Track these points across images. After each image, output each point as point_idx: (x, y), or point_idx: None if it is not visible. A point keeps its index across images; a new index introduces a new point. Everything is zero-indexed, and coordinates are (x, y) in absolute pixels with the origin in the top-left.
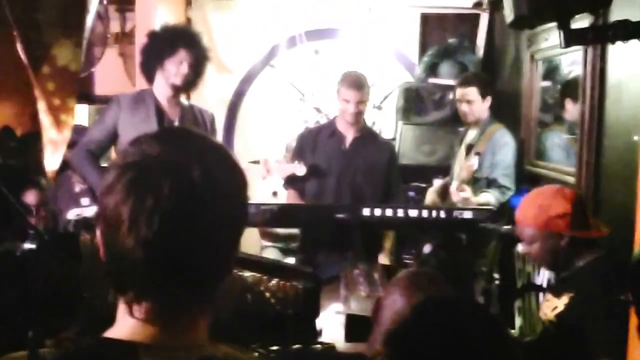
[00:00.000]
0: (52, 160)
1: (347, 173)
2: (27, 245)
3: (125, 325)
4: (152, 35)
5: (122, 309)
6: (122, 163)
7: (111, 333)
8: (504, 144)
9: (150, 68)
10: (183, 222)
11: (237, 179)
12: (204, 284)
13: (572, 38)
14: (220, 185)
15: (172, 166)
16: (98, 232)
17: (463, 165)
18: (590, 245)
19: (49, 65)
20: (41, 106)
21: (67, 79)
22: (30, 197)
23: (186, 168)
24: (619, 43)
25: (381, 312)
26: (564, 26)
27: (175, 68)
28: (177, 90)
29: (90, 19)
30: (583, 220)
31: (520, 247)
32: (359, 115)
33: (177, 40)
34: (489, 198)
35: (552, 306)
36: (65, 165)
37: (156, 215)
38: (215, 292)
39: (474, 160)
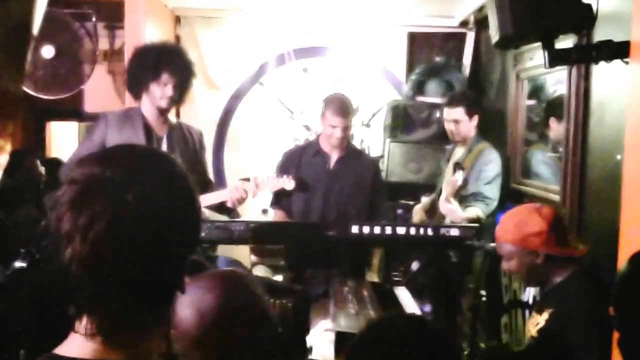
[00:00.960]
0: None
1: (332, 192)
2: (18, 264)
3: (74, 341)
4: (137, 57)
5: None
6: (67, 181)
7: (60, 349)
8: (490, 160)
9: (136, 88)
10: (116, 240)
11: (181, 197)
12: (143, 300)
13: (556, 58)
14: (159, 204)
15: (108, 185)
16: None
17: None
18: (569, 261)
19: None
20: None
21: (6, 103)
22: (20, 216)
23: (122, 187)
24: (602, 63)
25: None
26: (548, 47)
27: (160, 91)
28: (163, 111)
29: (31, 43)
30: (560, 238)
31: (502, 264)
32: (344, 139)
33: (161, 63)
34: (477, 212)
35: (535, 322)
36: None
37: (90, 232)
38: (162, 307)
39: (457, 175)
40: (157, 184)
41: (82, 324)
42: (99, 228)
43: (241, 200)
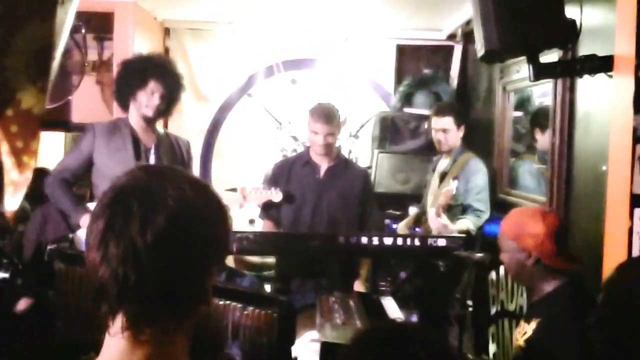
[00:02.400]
0: (12, 202)
1: (321, 202)
2: (1, 275)
3: (109, 347)
4: (124, 66)
5: (106, 338)
6: (109, 193)
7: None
8: (476, 170)
9: (123, 98)
10: (152, 244)
11: (216, 207)
12: (175, 304)
13: (541, 72)
14: (194, 211)
15: (145, 190)
16: (87, 258)
17: (436, 193)
18: (559, 272)
19: (12, 109)
20: (4, 148)
21: (30, 123)
22: None
23: (160, 193)
24: (586, 76)
25: None
26: (533, 60)
27: (147, 99)
28: (149, 121)
29: (55, 66)
30: (554, 247)
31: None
32: (328, 146)
33: (148, 71)
34: (468, 224)
35: (522, 331)
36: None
37: (125, 234)
38: (192, 314)
39: (452, 185)
40: (195, 193)
41: (116, 324)
42: (134, 230)
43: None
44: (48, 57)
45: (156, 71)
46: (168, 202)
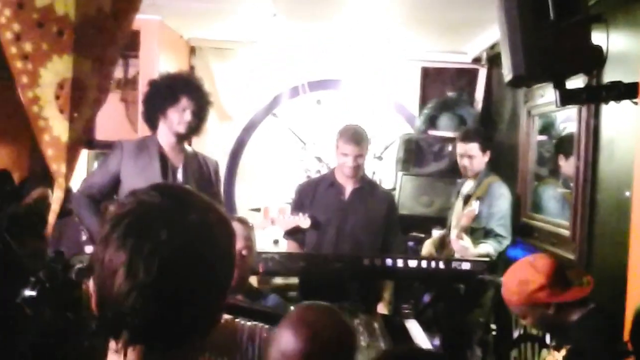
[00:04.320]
0: (49, 225)
1: (346, 224)
2: (28, 293)
3: None
4: (154, 84)
5: (111, 357)
6: (119, 212)
7: None
8: (500, 195)
9: (153, 116)
10: (179, 268)
11: (228, 230)
12: (196, 328)
13: (567, 98)
14: (215, 234)
15: (170, 213)
16: (91, 281)
17: (460, 215)
18: (579, 302)
19: (48, 134)
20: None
21: (60, 149)
22: (27, 242)
23: (183, 216)
24: (612, 102)
25: (270, 347)
26: (559, 86)
27: (179, 116)
28: (180, 138)
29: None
30: (562, 284)
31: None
32: (357, 168)
33: (179, 88)
34: (488, 249)
35: (553, 359)
36: (70, 211)
37: (154, 259)
38: (205, 337)
39: (474, 206)
40: (212, 215)
41: (131, 353)
42: (163, 255)
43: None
44: (72, 89)
45: (187, 88)
46: (192, 227)
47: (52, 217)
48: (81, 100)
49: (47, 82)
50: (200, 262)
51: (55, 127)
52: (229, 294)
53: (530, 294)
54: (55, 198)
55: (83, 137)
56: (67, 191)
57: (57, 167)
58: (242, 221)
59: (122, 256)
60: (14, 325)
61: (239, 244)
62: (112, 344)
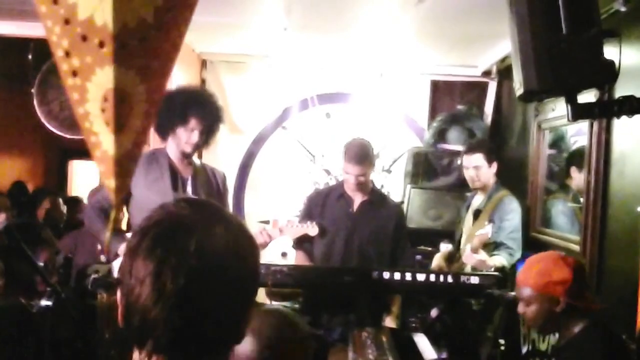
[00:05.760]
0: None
1: (354, 235)
2: (44, 302)
3: None
4: (166, 100)
5: None
6: (148, 223)
7: None
8: (511, 210)
9: (163, 131)
10: (206, 279)
11: (252, 244)
12: (220, 340)
13: (579, 112)
14: (241, 247)
15: (198, 225)
16: (119, 291)
17: (470, 230)
18: (585, 314)
19: (99, 150)
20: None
21: (108, 164)
22: (41, 252)
23: (210, 228)
24: (624, 117)
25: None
26: (571, 101)
27: (187, 136)
28: (186, 156)
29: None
30: (581, 289)
31: (518, 307)
32: (360, 185)
33: (189, 108)
34: (502, 261)
35: None
36: (82, 222)
37: (181, 270)
38: (229, 351)
39: (487, 229)
40: (237, 229)
41: None
42: (191, 266)
43: (264, 245)
44: (115, 100)
45: (197, 108)
46: (219, 238)
47: (107, 237)
48: (126, 111)
49: (94, 96)
50: (227, 275)
51: (104, 141)
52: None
53: (548, 283)
54: (112, 218)
55: (134, 150)
56: (78, 202)
57: (108, 182)
58: None
59: (149, 266)
60: (30, 333)
61: None
62: (136, 355)
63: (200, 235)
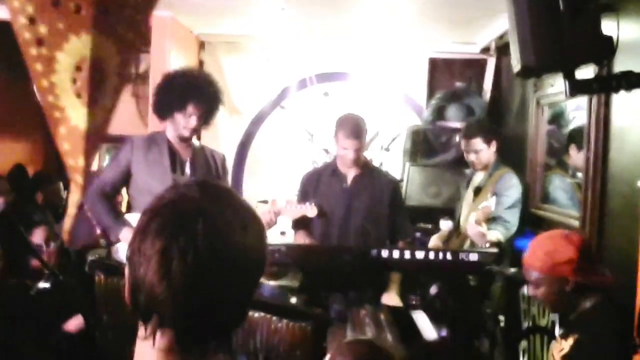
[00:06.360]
0: (68, 221)
1: (350, 211)
2: (42, 285)
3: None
4: (164, 85)
5: (140, 345)
6: (159, 204)
7: None
8: (511, 185)
9: (162, 114)
10: (213, 260)
11: (260, 229)
12: (224, 322)
13: (577, 88)
14: (249, 231)
15: (208, 207)
16: (126, 269)
17: (471, 206)
18: (594, 288)
19: (65, 126)
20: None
21: (78, 139)
22: (38, 236)
23: (220, 211)
24: (622, 92)
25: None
26: (569, 77)
27: (184, 121)
28: (184, 139)
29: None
30: (589, 265)
31: (527, 289)
32: (357, 159)
33: (187, 94)
34: (498, 235)
35: (559, 348)
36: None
37: (189, 249)
38: (232, 332)
39: (491, 202)
40: (246, 212)
41: (160, 338)
42: (199, 246)
43: (270, 225)
44: (91, 70)
45: (195, 94)
46: (228, 220)
47: (68, 223)
48: (101, 84)
49: (64, 66)
50: (234, 257)
51: (73, 116)
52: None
53: (555, 264)
54: (73, 201)
55: (103, 127)
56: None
57: (75, 162)
58: None
59: (157, 245)
60: (28, 316)
61: None
62: (141, 331)
63: (210, 217)
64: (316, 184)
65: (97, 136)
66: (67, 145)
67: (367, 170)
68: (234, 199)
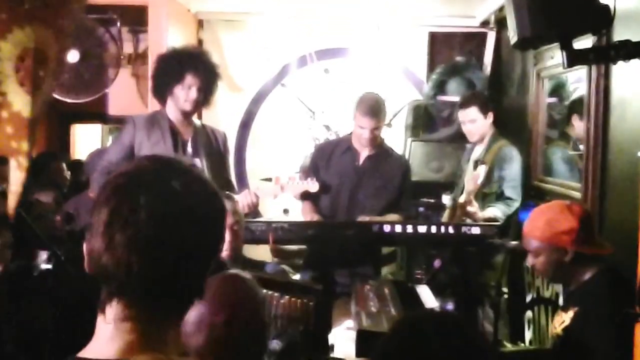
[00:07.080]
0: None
1: (359, 189)
2: (44, 266)
3: (96, 342)
4: (159, 62)
5: (99, 322)
6: (110, 177)
7: (84, 353)
8: (510, 158)
9: (161, 93)
10: (153, 233)
11: (214, 202)
12: (176, 292)
13: (574, 58)
14: (197, 203)
15: (153, 178)
16: (85, 242)
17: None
18: (595, 260)
19: (6, 111)
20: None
21: (21, 124)
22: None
23: (166, 181)
24: (621, 62)
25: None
26: (566, 47)
27: (185, 94)
28: (187, 115)
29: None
30: (589, 236)
31: (527, 259)
32: (373, 139)
33: (184, 65)
34: (495, 212)
35: (560, 320)
36: (85, 186)
37: (131, 222)
38: (187, 308)
39: (480, 170)
40: (199, 186)
41: (112, 313)
42: (141, 217)
43: (252, 206)
44: (34, 61)
45: (192, 64)
46: (175, 194)
47: (12, 200)
48: (43, 73)
49: (7, 55)
50: (177, 230)
51: (16, 102)
52: (226, 268)
53: (555, 233)
54: (16, 179)
55: (43, 111)
56: (82, 165)
57: (18, 145)
58: (227, 197)
59: (103, 216)
60: (32, 297)
61: (229, 220)
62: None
63: (154, 189)
64: (328, 158)
65: (38, 121)
66: (11, 128)
67: (381, 150)
68: (185, 172)
